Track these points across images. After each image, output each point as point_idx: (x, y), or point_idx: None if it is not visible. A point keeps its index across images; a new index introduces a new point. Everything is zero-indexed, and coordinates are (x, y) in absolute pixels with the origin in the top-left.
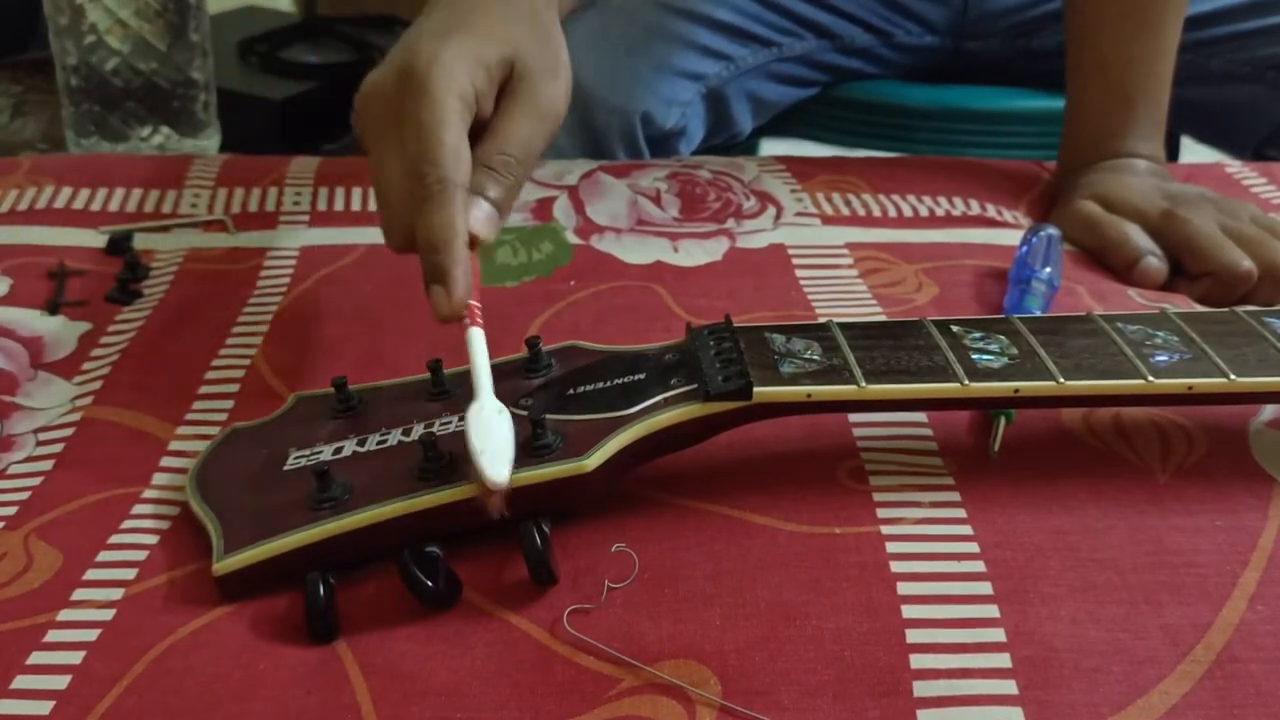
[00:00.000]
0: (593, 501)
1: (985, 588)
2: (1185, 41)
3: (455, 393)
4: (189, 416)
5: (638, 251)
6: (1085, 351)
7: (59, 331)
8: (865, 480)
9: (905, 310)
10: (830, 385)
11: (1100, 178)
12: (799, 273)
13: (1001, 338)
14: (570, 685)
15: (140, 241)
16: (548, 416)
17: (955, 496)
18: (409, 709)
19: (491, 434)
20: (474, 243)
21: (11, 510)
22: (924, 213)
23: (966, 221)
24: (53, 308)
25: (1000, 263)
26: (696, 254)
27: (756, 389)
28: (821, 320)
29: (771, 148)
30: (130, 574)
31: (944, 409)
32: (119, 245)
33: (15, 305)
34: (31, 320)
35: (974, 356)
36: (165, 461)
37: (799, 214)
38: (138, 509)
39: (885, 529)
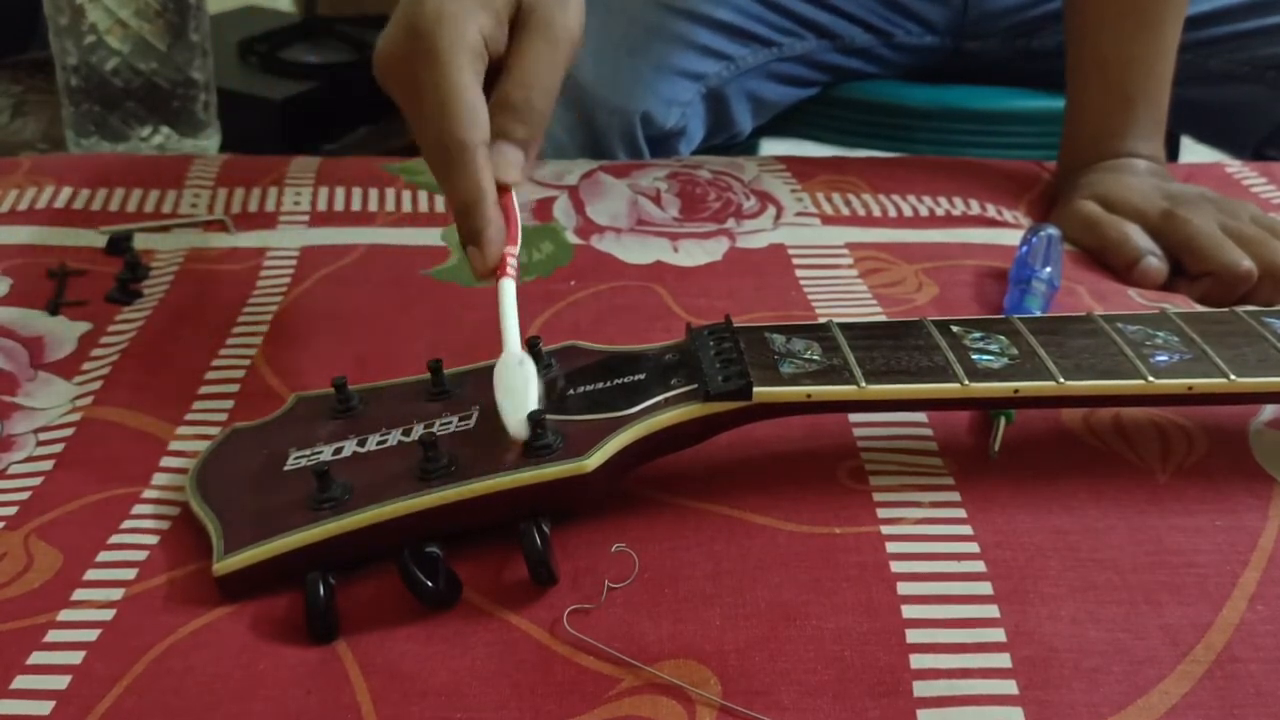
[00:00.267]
0: (593, 501)
1: (985, 588)
2: (1185, 41)
3: (455, 393)
4: (189, 416)
5: (638, 251)
6: (1085, 351)
7: (59, 331)
8: (865, 480)
9: (905, 310)
10: (830, 385)
11: (1100, 178)
12: (799, 273)
13: (1001, 338)
14: (570, 685)
15: (140, 241)
16: (548, 416)
17: (955, 496)
18: (409, 709)
19: (514, 384)
20: (505, 189)
21: (12, 510)
22: (924, 213)
23: (966, 221)
24: (53, 308)
25: (1000, 263)
26: (696, 254)
27: (756, 389)
28: (821, 320)
29: (771, 148)
30: (130, 574)
31: (944, 409)
32: (119, 245)
33: (15, 305)
34: (32, 320)
35: (974, 356)
36: (165, 461)
37: (799, 214)
38: (138, 509)
39: (885, 529)
